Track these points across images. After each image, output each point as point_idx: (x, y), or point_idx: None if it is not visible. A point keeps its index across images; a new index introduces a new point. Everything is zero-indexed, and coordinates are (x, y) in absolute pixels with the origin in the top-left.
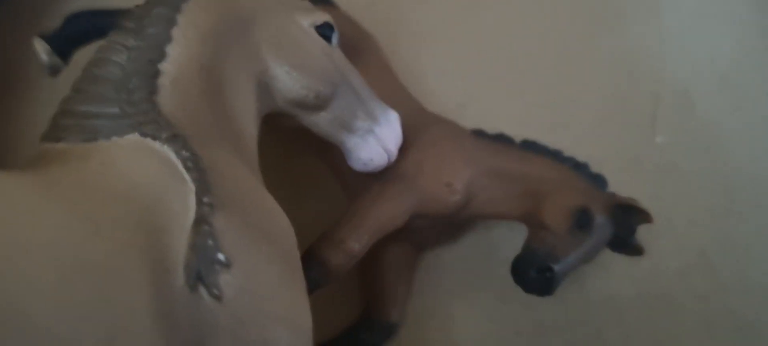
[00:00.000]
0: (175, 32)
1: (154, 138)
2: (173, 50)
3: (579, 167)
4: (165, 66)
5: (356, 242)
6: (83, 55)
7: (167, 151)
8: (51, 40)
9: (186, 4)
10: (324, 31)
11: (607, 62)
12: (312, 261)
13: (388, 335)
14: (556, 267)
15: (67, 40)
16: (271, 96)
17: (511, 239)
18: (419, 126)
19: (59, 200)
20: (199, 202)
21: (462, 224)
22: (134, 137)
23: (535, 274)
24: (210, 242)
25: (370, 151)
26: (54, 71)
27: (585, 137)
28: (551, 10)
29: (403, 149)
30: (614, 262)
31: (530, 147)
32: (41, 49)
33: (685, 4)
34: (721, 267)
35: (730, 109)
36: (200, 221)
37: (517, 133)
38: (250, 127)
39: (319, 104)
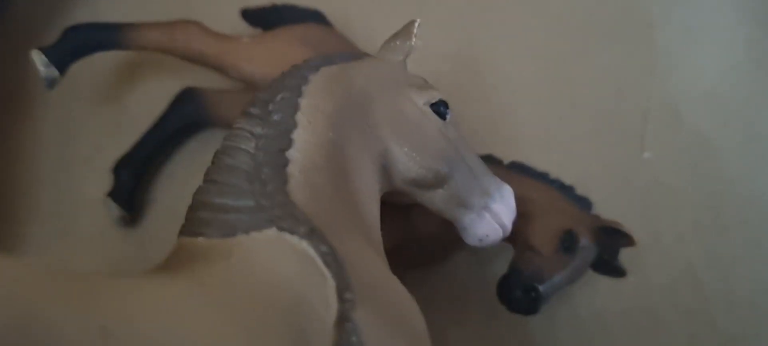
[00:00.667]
0: (300, 117)
1: (292, 232)
2: (300, 137)
3: (565, 189)
4: (293, 154)
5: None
6: (80, 67)
7: (306, 247)
8: (49, 52)
9: (307, 87)
10: (438, 108)
11: (596, 78)
12: None
13: None
14: (541, 288)
15: (65, 53)
16: (390, 176)
17: (498, 259)
18: None
19: (214, 305)
20: (340, 298)
21: (450, 243)
22: (272, 232)
23: (520, 294)
24: (354, 338)
25: (486, 228)
26: (51, 83)
27: (574, 153)
28: (541, 27)
29: None
30: (602, 278)
31: (517, 168)
32: (39, 62)
33: (673, 21)
34: (707, 282)
35: (717, 125)
36: (343, 318)
37: (507, 150)
38: (373, 209)
39: (437, 183)
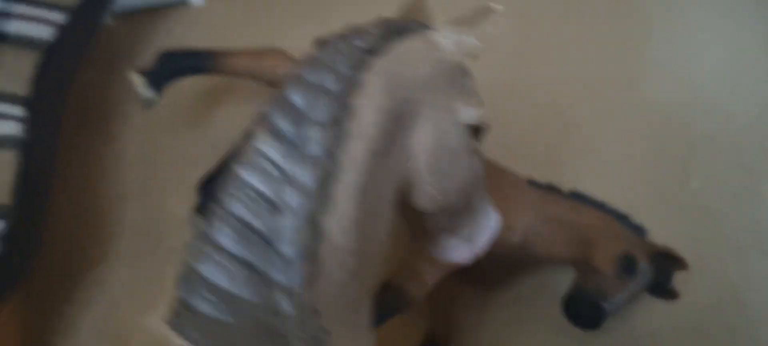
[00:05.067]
0: (343, 158)
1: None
2: (339, 189)
3: (622, 218)
4: (327, 224)
5: (431, 277)
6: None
7: None
8: (147, 75)
9: (357, 100)
10: (477, 128)
11: (645, 109)
12: (392, 290)
13: None
14: (606, 305)
15: (162, 76)
16: (399, 201)
17: (559, 278)
18: (494, 169)
19: None
20: None
21: (517, 264)
22: None
23: (585, 310)
24: None
25: (461, 254)
26: (149, 104)
27: (627, 182)
28: (591, 59)
29: None
30: (656, 299)
31: (578, 197)
32: (138, 83)
33: (714, 54)
34: (749, 302)
35: (759, 154)
36: None
37: (562, 179)
38: (384, 246)
39: (444, 212)
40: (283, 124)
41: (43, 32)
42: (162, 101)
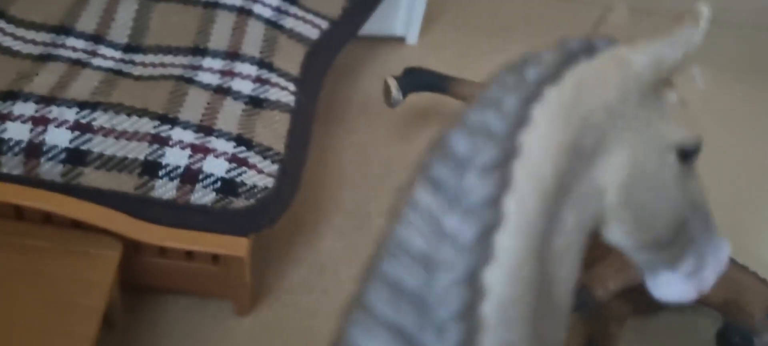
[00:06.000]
0: (506, 210)
1: None
2: (504, 241)
3: (764, 281)
4: (488, 279)
5: (615, 284)
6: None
7: None
8: (399, 81)
9: (526, 136)
10: (692, 150)
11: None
12: (583, 288)
13: None
14: (756, 340)
15: (409, 85)
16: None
17: (703, 322)
18: None
19: None
20: None
21: None
22: None
23: (738, 341)
24: None
25: (681, 293)
26: (396, 104)
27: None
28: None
29: None
30: None
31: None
32: (393, 86)
33: None
34: None
35: None
36: None
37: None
38: (565, 312)
39: (646, 249)
40: (443, 173)
41: (311, 32)
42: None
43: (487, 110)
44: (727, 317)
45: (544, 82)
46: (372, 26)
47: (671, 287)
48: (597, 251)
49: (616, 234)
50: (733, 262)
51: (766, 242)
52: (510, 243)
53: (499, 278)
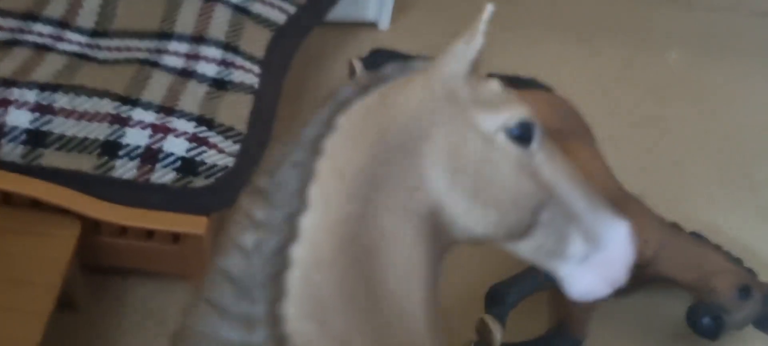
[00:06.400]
0: (313, 192)
1: None
2: (309, 222)
3: (736, 260)
4: (298, 251)
5: None
6: None
7: None
8: (364, 61)
9: (330, 140)
10: (520, 132)
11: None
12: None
13: None
14: (726, 318)
15: (374, 66)
16: (449, 235)
17: (676, 301)
18: (623, 196)
19: None
20: None
21: (641, 280)
22: None
23: (708, 320)
24: None
25: (588, 283)
26: None
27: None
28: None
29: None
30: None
31: (698, 237)
32: (358, 67)
33: None
34: None
35: None
36: None
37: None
38: (415, 292)
39: (515, 237)
40: (262, 180)
41: (278, 17)
42: None
43: (308, 120)
44: (698, 296)
45: (353, 96)
46: (343, 11)
47: (578, 280)
48: None
49: (460, 224)
50: (704, 241)
51: (738, 221)
52: (316, 221)
53: (302, 252)
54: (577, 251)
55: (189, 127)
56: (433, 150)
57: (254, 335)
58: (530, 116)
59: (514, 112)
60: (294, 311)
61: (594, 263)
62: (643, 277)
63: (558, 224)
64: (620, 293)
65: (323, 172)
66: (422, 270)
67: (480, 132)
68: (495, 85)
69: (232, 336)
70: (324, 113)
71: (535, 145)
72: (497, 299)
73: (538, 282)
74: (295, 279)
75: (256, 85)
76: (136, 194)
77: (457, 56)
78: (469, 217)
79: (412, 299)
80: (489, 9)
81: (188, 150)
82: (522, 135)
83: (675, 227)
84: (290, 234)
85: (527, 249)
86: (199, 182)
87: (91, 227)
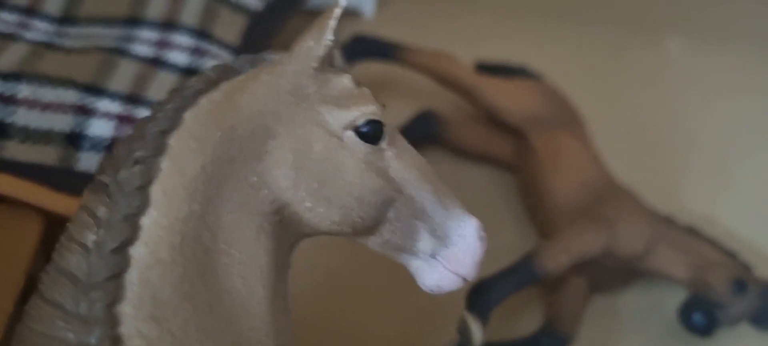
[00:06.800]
0: (155, 190)
1: None
2: (149, 221)
3: (731, 254)
4: (138, 251)
5: (569, 257)
6: None
7: None
8: (344, 49)
9: (174, 136)
10: (367, 130)
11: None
12: (529, 260)
13: (564, 344)
14: (719, 314)
15: (355, 52)
16: (296, 230)
17: (672, 297)
18: (614, 187)
19: None
20: None
21: (632, 274)
22: None
23: (700, 316)
24: None
25: (437, 277)
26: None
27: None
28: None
29: (605, 200)
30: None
31: (692, 230)
32: (337, 55)
33: None
34: None
35: None
36: None
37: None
38: (259, 290)
39: (362, 232)
40: (103, 177)
41: (254, 3)
42: None
43: (147, 116)
44: (693, 291)
45: (199, 91)
46: None
47: (428, 274)
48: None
49: (304, 220)
50: (698, 235)
51: (735, 213)
52: (153, 220)
53: (142, 252)
54: (426, 247)
55: None
56: (279, 148)
57: (92, 336)
58: (379, 114)
59: (363, 110)
60: (132, 312)
61: (443, 259)
62: (633, 271)
63: (406, 220)
64: (610, 289)
65: (166, 169)
66: (266, 268)
67: (327, 129)
68: (347, 81)
69: (70, 337)
70: (169, 108)
71: (384, 143)
72: (479, 296)
73: (525, 279)
74: (133, 279)
75: None
76: None
77: (304, 53)
78: (314, 214)
79: (255, 296)
80: (339, 7)
81: None
82: (370, 133)
83: (668, 219)
84: (131, 234)
85: (375, 244)
86: None
87: (56, 222)
